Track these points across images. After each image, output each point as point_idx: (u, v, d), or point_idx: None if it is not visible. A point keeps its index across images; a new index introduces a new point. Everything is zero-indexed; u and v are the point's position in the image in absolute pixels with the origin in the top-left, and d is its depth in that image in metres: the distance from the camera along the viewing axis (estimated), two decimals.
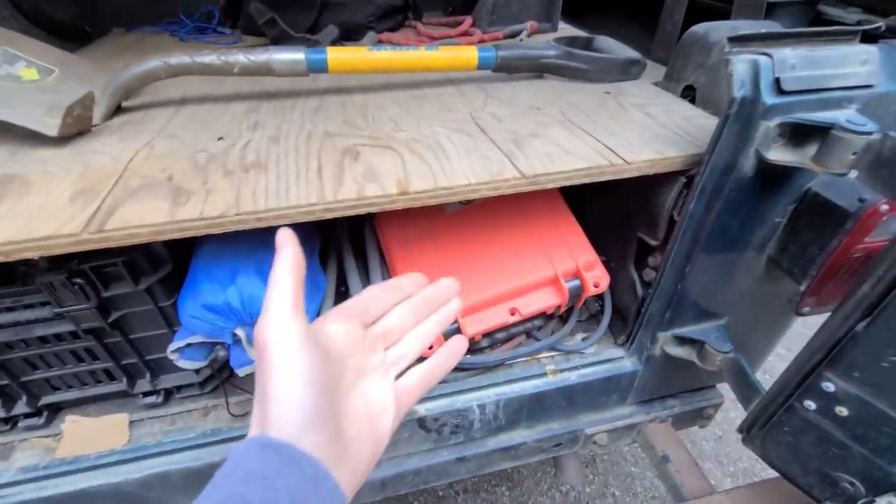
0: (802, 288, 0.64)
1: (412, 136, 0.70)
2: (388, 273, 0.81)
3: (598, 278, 0.77)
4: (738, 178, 0.61)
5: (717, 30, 0.75)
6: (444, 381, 0.82)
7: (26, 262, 0.61)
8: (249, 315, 0.61)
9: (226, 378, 0.78)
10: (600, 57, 0.88)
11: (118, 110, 0.78)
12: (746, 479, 1.51)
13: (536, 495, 1.49)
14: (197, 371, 0.76)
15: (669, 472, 0.88)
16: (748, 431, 0.70)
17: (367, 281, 0.81)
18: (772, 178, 0.61)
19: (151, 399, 0.77)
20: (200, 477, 0.74)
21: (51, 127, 0.65)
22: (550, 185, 0.61)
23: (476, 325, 0.75)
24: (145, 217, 0.51)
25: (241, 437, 0.77)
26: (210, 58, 0.75)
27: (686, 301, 0.76)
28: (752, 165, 0.60)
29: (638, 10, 1.39)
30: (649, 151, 0.64)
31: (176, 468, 0.72)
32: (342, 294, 0.84)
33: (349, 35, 1.19)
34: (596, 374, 0.85)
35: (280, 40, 1.13)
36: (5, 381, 0.70)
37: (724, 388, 1.01)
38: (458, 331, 0.75)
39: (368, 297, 0.41)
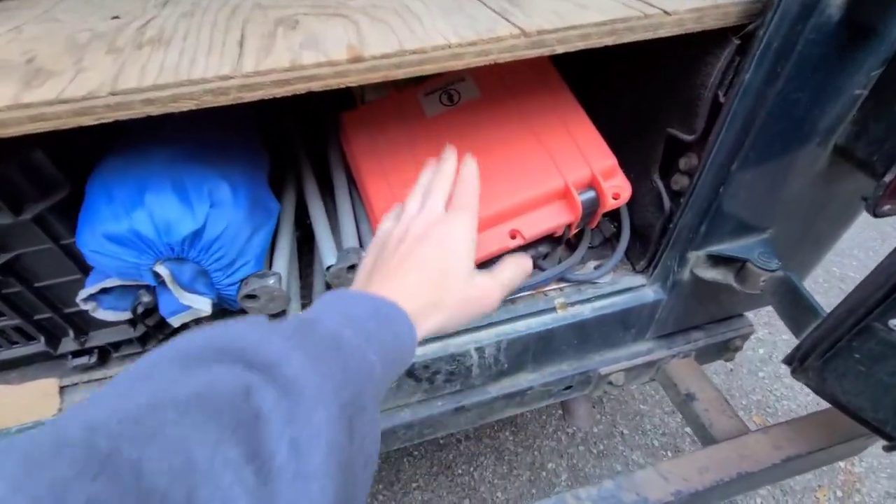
0: (888, 180, 0.50)
1: (369, 1, 0.52)
2: (358, 195, 0.66)
3: (618, 188, 0.62)
4: (819, 26, 0.44)
5: None
6: None
7: None
8: (169, 247, 0.46)
9: (169, 332, 0.65)
10: None
11: None
12: (761, 411, 1.45)
13: (542, 438, 1.43)
14: (131, 323, 0.62)
15: (696, 412, 0.78)
16: (802, 361, 0.57)
17: (332, 209, 0.65)
18: (863, 27, 0.45)
19: (83, 360, 0.63)
20: None
21: None
22: (560, 49, 0.44)
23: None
24: None
25: None
26: None
27: (726, 212, 0.62)
28: (839, 4, 0.43)
29: None
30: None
31: None
32: (307, 226, 0.69)
33: None
34: (613, 306, 0.73)
35: None
36: None
37: (751, 315, 0.89)
38: None
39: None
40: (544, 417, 1.48)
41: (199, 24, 0.49)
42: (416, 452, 1.41)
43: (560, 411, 1.50)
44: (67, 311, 0.60)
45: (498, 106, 0.66)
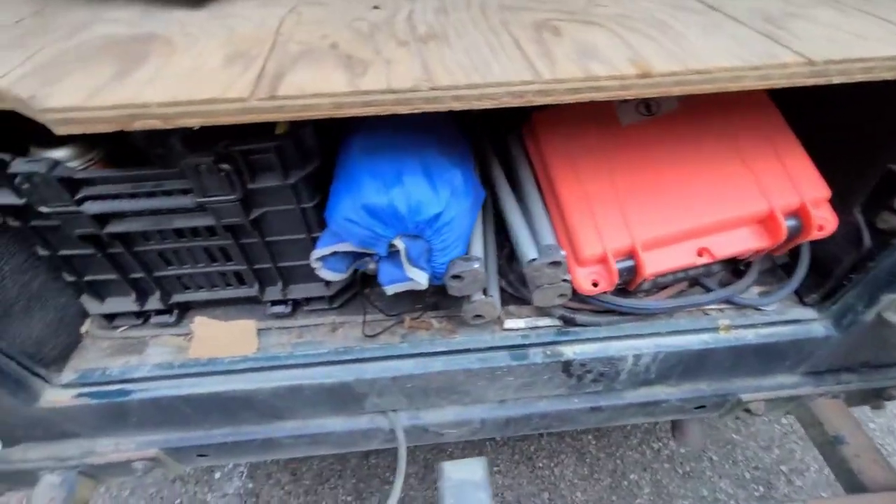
0: None
1: (617, 11, 0.54)
2: (548, 200, 0.68)
3: (824, 220, 0.60)
4: None
5: None
6: (596, 325, 0.71)
7: (164, 144, 0.53)
8: (415, 224, 0.51)
9: (355, 294, 0.71)
10: None
11: None
12: None
13: (626, 448, 1.42)
14: (327, 284, 0.69)
15: (843, 456, 0.75)
16: None
17: (521, 201, 0.68)
18: None
19: (280, 308, 0.72)
20: (332, 394, 0.69)
21: None
22: (837, 80, 0.44)
23: (657, 264, 0.62)
24: (321, 85, 0.40)
25: (375, 358, 0.73)
26: None
27: None
28: None
29: None
30: None
31: (308, 383, 0.68)
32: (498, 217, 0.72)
33: None
34: (777, 335, 0.71)
35: None
36: (140, 274, 0.66)
37: None
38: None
39: None
40: (629, 428, 1.47)
41: (460, 21, 0.52)
42: (498, 439, 1.45)
43: (646, 425, 1.48)
44: (281, 264, 0.67)
45: (699, 120, 0.66)
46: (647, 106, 0.68)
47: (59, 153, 0.54)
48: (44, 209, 0.53)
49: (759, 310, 0.73)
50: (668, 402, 0.81)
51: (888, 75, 0.44)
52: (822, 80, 0.44)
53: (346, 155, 0.54)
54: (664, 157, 0.64)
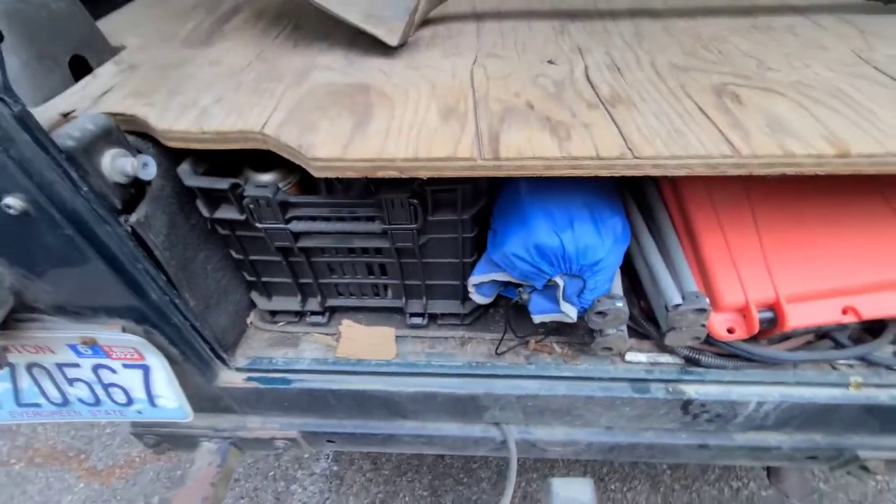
0: None
1: (793, 78, 0.56)
2: (686, 244, 0.71)
3: None
4: None
5: None
6: (721, 369, 0.73)
7: (345, 179, 0.61)
8: (579, 266, 0.56)
9: (482, 314, 0.77)
10: None
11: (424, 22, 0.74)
12: None
13: (702, 483, 1.41)
14: (463, 302, 0.76)
15: None
16: None
17: (664, 252, 0.71)
18: None
19: (418, 320, 0.79)
20: (459, 403, 0.76)
21: (389, 36, 0.62)
22: None
23: (800, 318, 0.63)
24: (536, 148, 0.46)
25: (504, 376, 0.78)
26: None
27: None
28: None
29: None
30: None
31: (441, 391, 0.75)
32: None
33: None
34: None
35: None
36: (308, 280, 0.75)
37: None
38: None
39: None
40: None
41: (637, 80, 0.57)
42: None
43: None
44: (429, 282, 0.74)
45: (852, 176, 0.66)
46: None
47: (269, 177, 0.64)
48: (259, 225, 0.62)
49: (893, 370, 0.72)
50: (780, 449, 0.81)
51: None
52: None
53: (514, 196, 0.60)
54: (814, 210, 0.66)
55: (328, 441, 0.88)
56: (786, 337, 0.75)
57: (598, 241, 0.55)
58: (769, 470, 1.03)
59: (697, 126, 0.48)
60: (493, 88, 0.57)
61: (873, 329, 0.74)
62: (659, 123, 0.49)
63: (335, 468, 1.49)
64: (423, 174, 0.47)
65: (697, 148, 0.45)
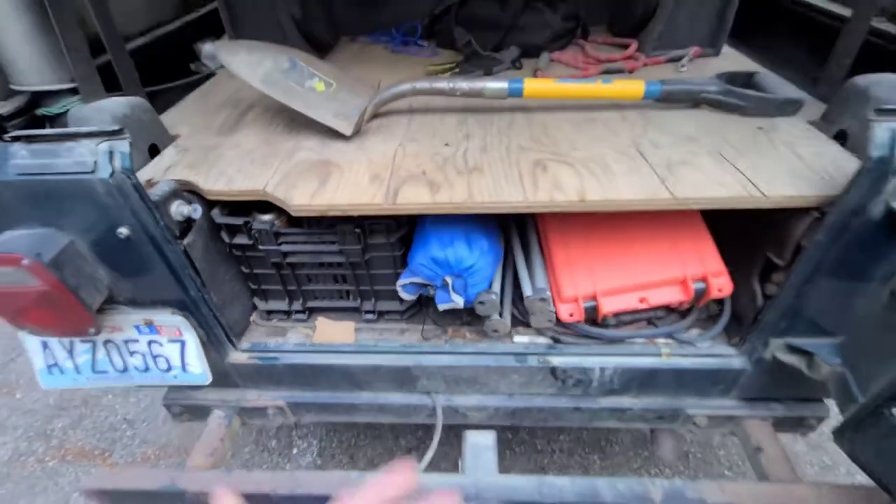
0: None
1: (585, 154, 0.93)
2: (545, 257, 1.06)
3: (722, 286, 0.93)
4: (867, 221, 0.73)
5: (879, 85, 0.84)
6: (574, 344, 1.06)
7: (313, 217, 0.97)
8: (459, 269, 0.91)
9: (417, 311, 1.11)
10: (758, 96, 1.00)
11: (374, 116, 1.13)
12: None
13: (626, 470, 1.67)
14: (401, 302, 1.10)
15: (760, 462, 1.02)
16: (842, 434, 0.83)
17: (530, 262, 1.06)
18: None
19: (370, 316, 1.13)
20: (399, 374, 1.08)
21: (346, 129, 1.01)
22: (694, 207, 0.80)
23: (611, 305, 0.97)
24: (418, 198, 0.82)
25: (427, 352, 1.10)
26: (442, 84, 1.05)
27: (802, 316, 0.89)
28: (880, 212, 0.72)
29: (807, 29, 1.40)
30: (788, 188, 0.79)
31: (384, 364, 1.07)
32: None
33: (527, 53, 1.42)
34: (705, 364, 1.02)
35: (471, 57, 1.41)
36: (293, 287, 1.10)
37: (831, 404, 1.09)
38: (596, 308, 0.97)
39: None
40: (631, 453, 1.72)
41: (492, 158, 0.94)
42: (517, 449, 1.75)
43: (645, 453, 1.72)
44: (376, 287, 1.08)
45: (651, 214, 1.02)
46: None
47: (268, 216, 1.00)
48: (261, 247, 0.98)
49: (693, 345, 1.04)
50: (633, 409, 1.11)
51: (726, 206, 0.79)
52: (683, 207, 0.80)
53: (422, 227, 0.96)
54: (624, 236, 1.01)
55: (305, 411, 1.19)
56: (628, 323, 1.08)
57: (468, 253, 0.90)
58: (651, 438, 1.32)
59: (513, 185, 0.84)
60: (405, 162, 0.94)
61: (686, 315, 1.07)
62: (493, 183, 0.85)
63: (319, 462, 1.76)
64: (355, 213, 0.83)
65: (507, 197, 0.81)
